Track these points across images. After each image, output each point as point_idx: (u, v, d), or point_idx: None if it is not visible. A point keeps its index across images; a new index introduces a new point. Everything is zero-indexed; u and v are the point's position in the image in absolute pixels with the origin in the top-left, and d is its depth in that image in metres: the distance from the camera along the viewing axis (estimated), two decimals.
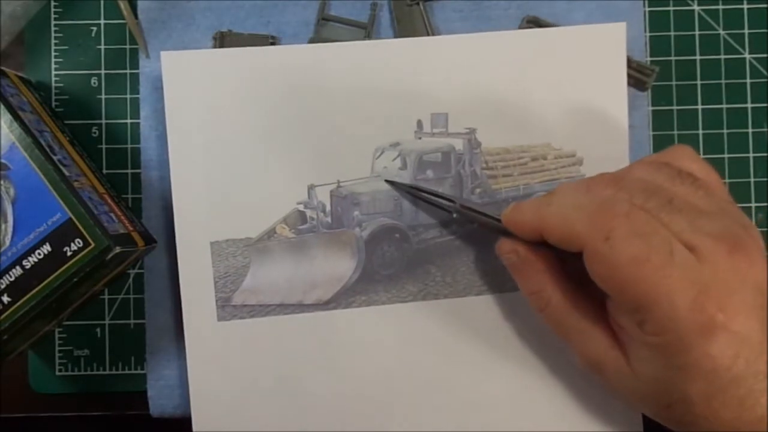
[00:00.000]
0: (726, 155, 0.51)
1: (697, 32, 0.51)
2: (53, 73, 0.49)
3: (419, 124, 0.48)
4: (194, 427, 0.48)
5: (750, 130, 0.51)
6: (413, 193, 0.48)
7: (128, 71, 0.50)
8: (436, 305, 0.49)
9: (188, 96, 0.47)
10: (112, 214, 0.44)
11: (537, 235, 0.40)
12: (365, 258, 0.48)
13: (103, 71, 0.50)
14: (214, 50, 0.48)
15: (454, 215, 0.46)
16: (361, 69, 0.48)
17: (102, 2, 0.50)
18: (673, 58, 0.51)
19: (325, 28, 0.50)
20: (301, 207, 0.48)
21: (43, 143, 0.42)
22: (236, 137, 0.48)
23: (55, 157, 0.42)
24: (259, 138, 0.48)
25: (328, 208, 0.48)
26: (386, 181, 0.49)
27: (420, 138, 0.49)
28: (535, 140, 0.49)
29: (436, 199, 0.47)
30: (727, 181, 0.51)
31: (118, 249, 0.41)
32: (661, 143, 0.50)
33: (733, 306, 0.35)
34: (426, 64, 0.48)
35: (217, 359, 0.48)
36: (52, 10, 0.49)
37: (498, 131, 0.49)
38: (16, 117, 0.41)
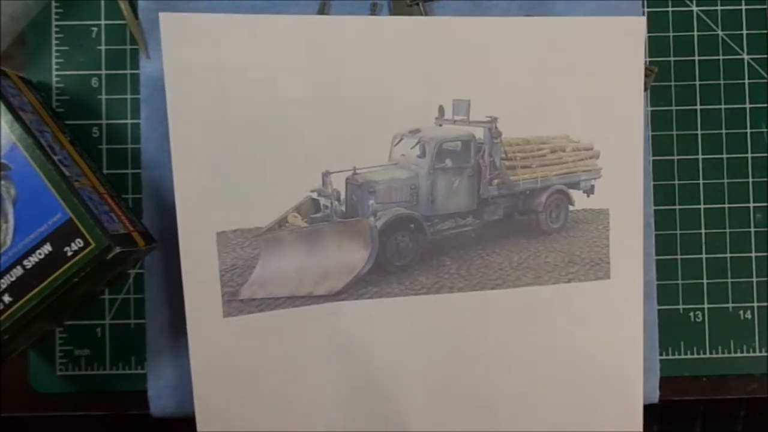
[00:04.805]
0: (724, 155, 0.51)
1: (695, 33, 0.51)
2: (54, 73, 0.50)
3: (440, 110, 0.46)
4: (198, 427, 0.46)
5: (748, 131, 0.51)
6: None
7: (128, 71, 0.50)
8: (450, 299, 0.47)
9: (190, 67, 0.43)
10: (112, 214, 0.44)
11: None
12: (378, 248, 0.46)
13: (103, 71, 0.50)
14: (219, 15, 0.44)
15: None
16: (379, 45, 0.45)
17: (102, 3, 0.50)
18: (672, 58, 0.51)
19: None
20: (314, 195, 0.46)
21: (44, 143, 0.42)
22: (244, 116, 0.44)
23: (55, 158, 0.42)
24: (270, 118, 0.44)
25: (342, 196, 0.47)
26: None
27: (441, 125, 0.46)
28: (554, 132, 0.48)
29: None
30: (725, 181, 0.51)
31: (118, 249, 0.41)
32: (660, 143, 0.51)
33: None
34: (446, 45, 0.46)
35: (223, 358, 0.45)
36: (53, 10, 0.50)
37: (518, 121, 0.47)
38: (17, 117, 0.41)
